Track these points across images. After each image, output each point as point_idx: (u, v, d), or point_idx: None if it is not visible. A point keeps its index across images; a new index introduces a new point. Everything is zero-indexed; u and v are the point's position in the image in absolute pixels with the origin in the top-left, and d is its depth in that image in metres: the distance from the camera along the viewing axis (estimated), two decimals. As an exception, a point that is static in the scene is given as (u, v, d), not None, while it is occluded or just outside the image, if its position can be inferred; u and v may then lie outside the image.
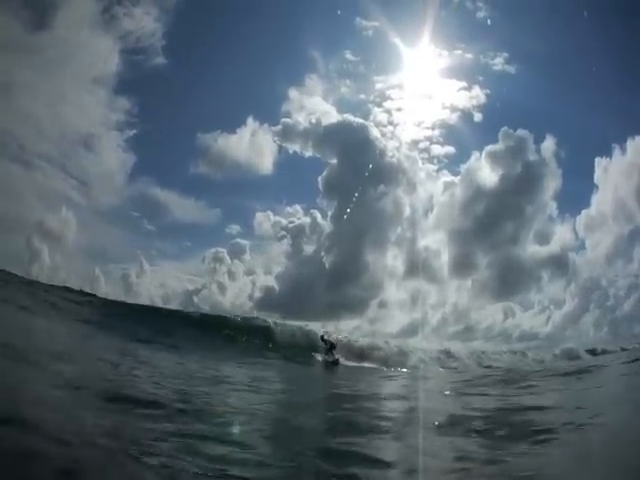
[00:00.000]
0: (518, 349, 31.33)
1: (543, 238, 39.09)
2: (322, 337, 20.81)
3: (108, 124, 38.29)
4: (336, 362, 19.54)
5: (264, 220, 39.64)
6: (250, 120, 40.90)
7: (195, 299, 34.36)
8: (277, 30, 49.76)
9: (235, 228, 42.30)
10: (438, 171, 42.54)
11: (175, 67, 42.06)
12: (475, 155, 40.25)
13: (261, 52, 51.45)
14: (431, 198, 40.30)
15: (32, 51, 31.66)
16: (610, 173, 39.65)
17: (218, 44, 50.47)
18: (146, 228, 41.18)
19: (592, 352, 29.51)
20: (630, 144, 38.47)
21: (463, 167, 41.61)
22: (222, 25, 46.78)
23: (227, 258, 37.48)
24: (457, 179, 40.18)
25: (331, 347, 20.31)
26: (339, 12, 49.51)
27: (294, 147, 41.23)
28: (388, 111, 42.43)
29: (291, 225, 37.97)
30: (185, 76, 47.04)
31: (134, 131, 39.00)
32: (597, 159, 39.98)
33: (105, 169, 38.60)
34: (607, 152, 43.75)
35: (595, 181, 40.41)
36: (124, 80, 38.17)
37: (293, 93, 43.98)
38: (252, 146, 41.18)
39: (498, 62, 42.02)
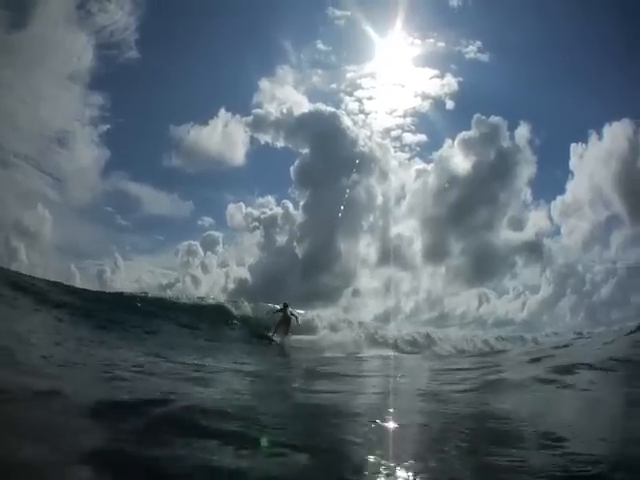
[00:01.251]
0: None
1: (517, 224, 39.21)
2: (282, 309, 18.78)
3: (82, 120, 38.19)
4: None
5: (236, 212, 39.74)
6: (222, 112, 40.84)
7: (169, 292, 34.18)
8: (248, 20, 48.96)
9: (208, 220, 42.80)
10: (410, 159, 42.73)
11: (147, 60, 42.05)
12: (448, 143, 40.39)
13: (232, 43, 50.72)
14: (403, 186, 40.45)
15: (7, 49, 30.95)
16: (586, 159, 39.74)
17: (189, 36, 50.91)
18: (120, 223, 41.46)
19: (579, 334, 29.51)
20: (607, 130, 38.53)
21: (436, 155, 41.81)
22: (193, 16, 46.96)
23: (200, 251, 37.72)
24: (429, 167, 40.39)
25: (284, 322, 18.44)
26: (311, 1, 49.80)
27: (266, 138, 41.15)
28: (360, 100, 42.48)
29: (263, 216, 37.94)
30: (157, 69, 47.19)
31: (108, 126, 38.89)
32: (572, 145, 40.10)
33: (79, 165, 38.36)
34: (583, 138, 43.90)
35: (570, 167, 40.58)
36: (98, 75, 38.11)
37: (264, 83, 43.74)
38: (224, 138, 41.05)
39: (471, 50, 42.19)
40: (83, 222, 40.53)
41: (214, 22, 47.51)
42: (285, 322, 18.42)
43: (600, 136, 39.02)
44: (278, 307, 18.84)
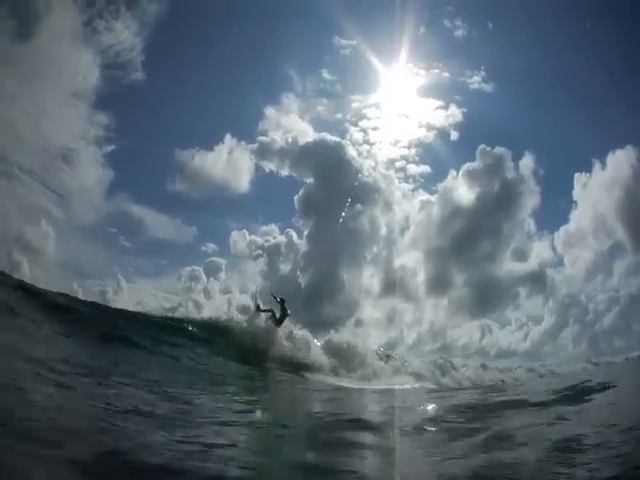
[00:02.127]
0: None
1: (521, 255, 39.20)
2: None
3: (87, 138, 38.22)
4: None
5: (240, 239, 39.55)
6: (227, 138, 40.97)
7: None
8: (255, 48, 49.72)
9: (211, 246, 42.78)
10: (414, 190, 42.90)
11: (153, 82, 42.08)
12: (452, 174, 40.59)
13: (238, 69, 51.75)
14: (407, 217, 40.52)
15: (14, 62, 31.19)
16: (589, 189, 39.90)
17: (196, 61, 51.31)
18: (123, 245, 41.38)
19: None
20: (611, 158, 38.90)
21: (440, 186, 41.91)
22: (200, 42, 47.28)
23: (203, 276, 37.36)
24: (434, 198, 40.47)
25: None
26: (317, 30, 50.66)
27: (270, 166, 41.34)
28: (364, 130, 42.85)
29: (267, 244, 37.84)
30: (163, 92, 47.31)
31: (112, 146, 38.98)
32: (576, 175, 40.28)
33: (84, 184, 38.47)
34: (587, 167, 44.26)
35: (574, 197, 40.76)
36: (103, 95, 38.24)
37: (270, 111, 44.32)
38: (229, 164, 41.20)
39: (475, 80, 42.73)
40: (86, 241, 40.32)
41: (221, 47, 48.43)
42: (278, 320, 17.87)
43: (604, 165, 39.22)
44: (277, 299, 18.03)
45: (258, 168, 41.46)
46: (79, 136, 38.74)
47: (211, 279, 37.51)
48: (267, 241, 38.10)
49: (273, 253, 37.27)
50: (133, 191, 47.54)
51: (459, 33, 43.62)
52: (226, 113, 52.35)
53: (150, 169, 49.66)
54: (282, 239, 37.83)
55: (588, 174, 40.14)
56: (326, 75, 44.90)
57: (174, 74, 48.72)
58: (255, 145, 41.53)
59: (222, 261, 39.41)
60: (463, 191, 38.77)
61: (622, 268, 40.50)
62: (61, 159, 37.33)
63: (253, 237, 38.98)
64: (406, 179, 44.18)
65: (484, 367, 29.26)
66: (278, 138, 41.50)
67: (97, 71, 36.16)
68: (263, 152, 41.48)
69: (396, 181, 41.92)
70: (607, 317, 38.61)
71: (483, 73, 42.11)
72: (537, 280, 39.61)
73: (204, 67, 49.47)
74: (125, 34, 36.71)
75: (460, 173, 39.29)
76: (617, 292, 39.77)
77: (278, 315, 17.87)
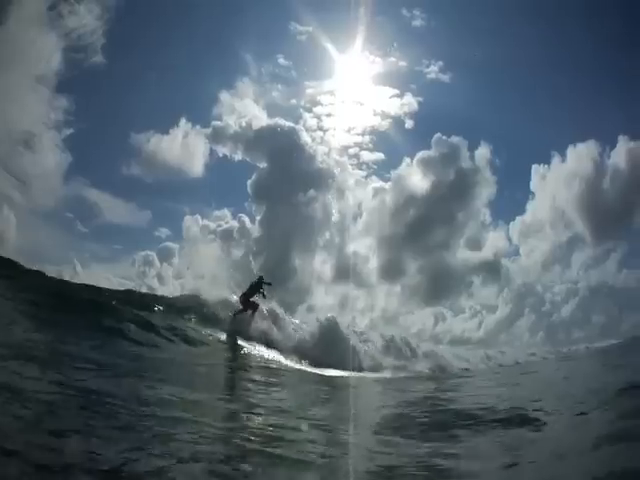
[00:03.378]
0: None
1: (475, 244, 39.68)
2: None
3: (48, 123, 36.71)
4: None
5: (193, 224, 38.79)
6: (183, 122, 40.31)
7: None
8: (212, 32, 49.20)
9: (164, 231, 43.08)
10: (367, 177, 43.26)
11: (113, 66, 40.95)
12: (406, 161, 40.96)
13: (196, 53, 51.15)
14: (360, 204, 40.69)
15: None
16: (548, 180, 40.86)
17: (154, 45, 50.26)
18: (80, 230, 40.39)
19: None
20: (571, 151, 39.93)
21: (394, 173, 42.45)
22: (158, 26, 46.37)
23: (157, 261, 36.88)
24: (387, 185, 40.79)
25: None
26: (274, 16, 50.12)
27: (224, 150, 40.89)
28: (318, 116, 42.89)
29: (219, 229, 37.37)
30: (121, 75, 46.05)
31: (71, 130, 37.49)
32: (534, 166, 41.31)
33: (43, 168, 36.73)
34: (545, 159, 45.38)
35: (531, 188, 41.79)
36: (65, 78, 36.81)
37: (225, 96, 43.60)
38: (183, 148, 40.57)
39: (432, 70, 43.30)
40: (45, 226, 38.75)
41: (178, 32, 47.41)
42: (253, 303, 16.23)
43: (563, 157, 40.27)
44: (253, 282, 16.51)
45: (212, 152, 41.02)
46: (40, 120, 37.46)
47: (164, 264, 37.22)
48: (220, 226, 37.66)
49: (226, 238, 36.67)
50: (90, 175, 46.81)
51: (417, 23, 44.08)
52: (182, 97, 52.46)
53: (107, 153, 48.96)
54: (235, 224, 37.46)
55: (546, 166, 41.15)
56: (282, 61, 44.73)
57: (133, 58, 48.18)
58: (209, 129, 40.95)
59: (175, 246, 38.80)
60: (417, 179, 39.03)
61: (581, 260, 41.74)
62: (22, 144, 36.03)
63: (206, 222, 38.40)
64: (359, 166, 44.70)
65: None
66: (232, 123, 41.04)
67: (60, 55, 34.75)
68: (217, 136, 40.99)
69: (349, 167, 42.21)
70: (565, 308, 39.80)
71: (440, 63, 42.79)
72: (492, 269, 40.56)
73: (162, 51, 48.80)
74: (87, 18, 35.40)
75: (414, 161, 39.61)
76: (576, 284, 40.93)
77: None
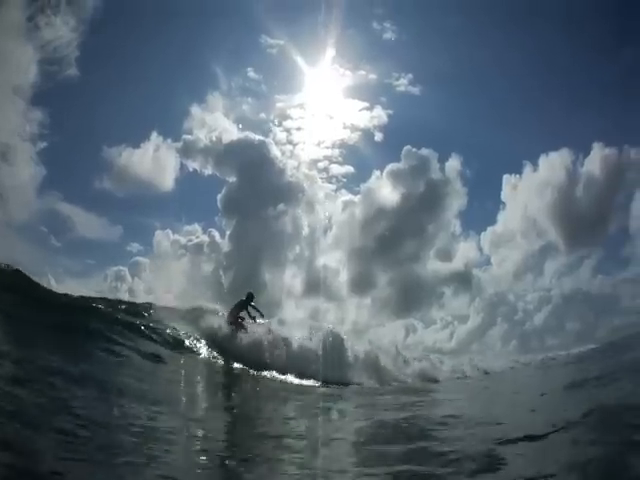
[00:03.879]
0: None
1: (446, 255, 39.42)
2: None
3: (23, 135, 35.99)
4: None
5: (163, 238, 38.00)
6: (154, 135, 39.58)
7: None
8: (183, 45, 48.92)
9: (135, 246, 41.79)
10: (337, 190, 43.28)
11: (86, 79, 39.90)
12: (376, 174, 41.15)
13: (167, 67, 50.06)
14: (330, 217, 40.70)
15: None
16: (519, 190, 40.86)
17: (126, 58, 49.10)
18: (53, 244, 38.67)
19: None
20: (544, 160, 39.89)
21: (363, 186, 42.52)
22: (130, 39, 45.99)
23: (128, 276, 35.91)
24: (357, 198, 40.89)
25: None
26: (244, 29, 50.23)
27: (194, 164, 40.39)
28: (288, 130, 42.75)
29: (190, 244, 36.87)
30: (95, 88, 44.64)
31: (45, 143, 36.60)
32: (505, 176, 41.42)
33: (19, 181, 35.97)
34: (517, 169, 45.58)
35: (502, 198, 41.94)
36: (40, 90, 35.95)
37: (195, 109, 43.18)
38: (154, 162, 39.89)
39: (402, 83, 43.40)
40: (20, 240, 38.09)
41: (150, 45, 47.15)
42: (239, 321, 15.42)
43: (535, 167, 40.40)
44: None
45: (182, 167, 40.44)
46: (16, 132, 36.69)
47: (136, 279, 36.00)
48: (190, 241, 37.13)
49: (196, 253, 36.07)
50: (63, 189, 45.03)
51: (388, 36, 44.45)
52: (153, 110, 51.37)
53: (80, 167, 46.92)
54: (205, 239, 36.99)
55: (518, 176, 41.32)
56: (252, 74, 44.54)
57: (106, 71, 46.80)
58: (180, 143, 40.58)
59: (146, 261, 37.96)
60: (387, 192, 39.02)
61: (554, 268, 41.84)
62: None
63: (176, 236, 37.75)
64: (329, 179, 44.52)
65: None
66: (203, 136, 40.71)
67: (35, 67, 34.21)
68: (187, 150, 40.54)
69: (319, 181, 42.19)
70: (538, 316, 39.12)
71: (410, 76, 42.91)
72: (463, 280, 40.16)
73: (134, 64, 47.78)
74: (63, 30, 34.84)
75: (384, 174, 39.79)
76: (549, 291, 40.35)
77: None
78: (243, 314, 15.91)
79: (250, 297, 16.13)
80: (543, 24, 48.07)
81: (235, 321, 15.74)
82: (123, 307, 16.20)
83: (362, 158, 50.43)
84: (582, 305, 38.58)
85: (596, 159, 38.40)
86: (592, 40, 46.82)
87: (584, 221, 39.27)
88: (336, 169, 42.46)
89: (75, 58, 35.99)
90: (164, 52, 48.27)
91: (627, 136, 47.53)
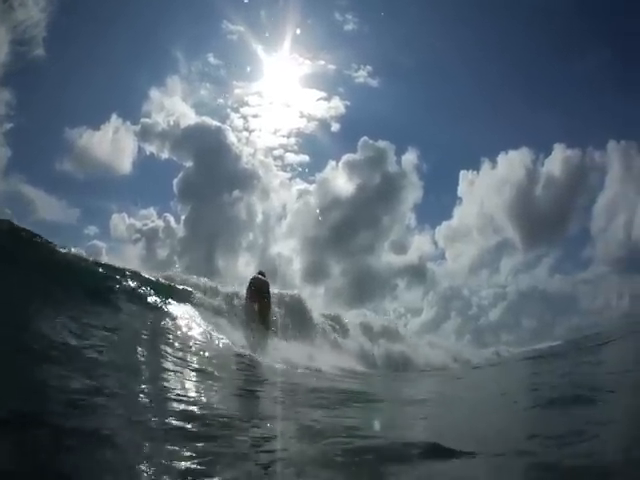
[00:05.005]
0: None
1: (400, 248, 39.82)
2: None
3: None
4: None
5: (120, 222, 37.49)
6: (114, 118, 38.72)
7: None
8: (145, 28, 47.86)
9: (93, 229, 40.79)
10: (292, 179, 43.31)
11: (53, 60, 39.09)
12: (331, 164, 41.35)
13: (131, 48, 49.15)
14: (284, 205, 40.63)
15: None
16: (477, 186, 41.11)
17: (91, 38, 47.64)
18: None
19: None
20: (503, 158, 40.25)
21: (318, 176, 42.68)
22: (97, 18, 43.81)
23: (85, 260, 34.82)
24: (312, 187, 40.95)
25: None
26: (206, 13, 49.09)
27: (151, 148, 39.68)
28: (245, 117, 42.44)
29: (145, 228, 36.27)
30: (60, 69, 43.50)
31: (12, 124, 35.19)
32: (462, 172, 41.82)
33: None
34: (474, 165, 46.42)
35: (459, 194, 42.07)
36: (9, 71, 34.63)
37: (154, 93, 42.28)
38: (113, 144, 38.99)
39: (361, 75, 43.66)
40: None
41: (114, 26, 45.13)
42: (261, 299, 12.44)
43: (494, 164, 40.76)
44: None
45: (140, 150, 39.61)
46: None
47: (92, 263, 35.08)
48: (145, 225, 36.52)
49: (151, 238, 35.67)
50: (27, 171, 43.09)
51: (349, 27, 44.54)
52: (114, 93, 50.94)
53: (43, 148, 45.49)
54: (160, 223, 36.45)
55: (475, 172, 41.87)
56: (212, 59, 43.82)
57: (72, 51, 45.01)
58: (138, 126, 39.62)
59: (103, 245, 36.90)
60: (342, 182, 39.15)
61: (510, 265, 42.25)
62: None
63: (132, 220, 37.11)
64: (284, 167, 44.47)
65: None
66: (161, 120, 39.92)
67: (7, 47, 32.75)
68: (145, 134, 39.69)
69: (274, 169, 42.08)
70: (493, 312, 39.30)
71: (370, 68, 43.13)
72: (417, 273, 40.27)
73: (98, 46, 45.85)
74: (35, 10, 33.58)
75: (340, 164, 40.00)
76: (504, 288, 40.77)
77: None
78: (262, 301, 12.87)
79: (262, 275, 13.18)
80: (509, 21, 49.73)
81: (256, 310, 12.78)
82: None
83: (318, 148, 50.58)
84: (539, 303, 39.33)
85: (557, 160, 39.21)
86: (558, 40, 48.39)
87: (543, 220, 39.96)
88: (291, 158, 42.47)
89: (43, 39, 35.07)
90: (128, 34, 47.01)
91: (591, 138, 49.55)
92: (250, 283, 13.49)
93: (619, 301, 33.87)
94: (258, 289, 13.29)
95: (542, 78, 52.69)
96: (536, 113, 51.60)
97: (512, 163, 39.97)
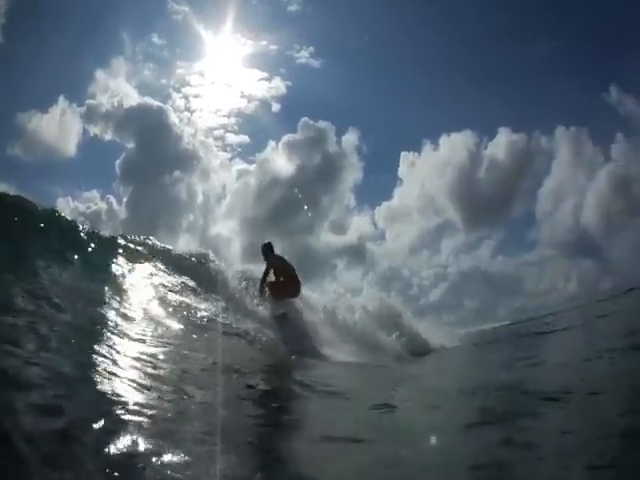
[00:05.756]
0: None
1: (340, 228, 40.59)
2: None
3: None
4: None
5: (65, 206, 36.81)
6: (61, 100, 40.09)
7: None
8: (94, 8, 47.67)
9: None
10: (232, 159, 42.85)
11: (8, 43, 39.10)
12: (271, 145, 41.04)
13: (78, 30, 46.97)
14: (224, 186, 39.92)
15: None
16: (418, 167, 42.18)
17: (39, 21, 45.59)
18: None
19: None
20: (445, 140, 41.78)
21: (259, 156, 42.08)
22: (40, 3, 41.55)
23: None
24: (251, 167, 40.34)
25: None
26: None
27: (95, 130, 38.25)
28: (187, 97, 41.71)
29: (88, 211, 35.01)
30: (7, 53, 42.49)
31: None
32: (403, 153, 42.68)
33: None
34: (416, 147, 47.46)
35: (399, 175, 43.18)
36: None
37: (100, 74, 40.67)
38: (60, 127, 39.05)
39: (303, 55, 43.79)
40: None
41: (62, 7, 44.45)
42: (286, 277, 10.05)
43: (436, 146, 41.92)
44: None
45: (85, 132, 38.28)
46: None
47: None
48: (89, 208, 35.30)
49: (94, 220, 34.48)
50: None
51: (293, 8, 44.41)
52: (61, 75, 50.72)
53: None
54: (103, 206, 35.16)
55: (416, 153, 42.86)
56: (156, 39, 42.52)
57: (18, 35, 44.52)
58: (84, 108, 37.75)
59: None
60: (282, 162, 39.00)
61: (452, 246, 43.31)
62: None
63: (76, 204, 35.50)
64: (224, 148, 44.02)
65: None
66: (105, 101, 38.27)
67: None
68: (90, 115, 39.08)
69: (215, 149, 41.37)
70: (434, 292, 41.31)
71: (312, 49, 43.42)
72: (356, 253, 41.70)
73: (45, 29, 45.72)
74: None
75: (280, 144, 39.59)
76: (445, 269, 42.78)
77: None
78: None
79: (270, 248, 10.62)
80: (454, 5, 51.46)
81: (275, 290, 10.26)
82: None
83: (258, 128, 50.29)
84: (481, 284, 41.60)
85: (501, 143, 40.81)
86: (510, 25, 49.99)
87: (485, 203, 41.15)
88: (232, 138, 42.12)
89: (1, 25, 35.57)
90: (75, 15, 45.28)
91: (538, 124, 51.22)
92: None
93: (566, 284, 35.92)
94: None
95: (490, 63, 54.35)
96: (482, 97, 53.71)
97: (454, 145, 40.98)
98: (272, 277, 10.28)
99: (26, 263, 6.43)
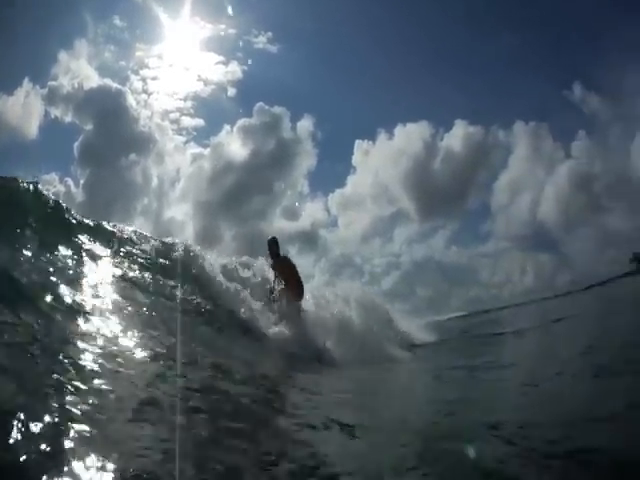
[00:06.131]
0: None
1: (292, 214, 40.79)
2: None
3: None
4: None
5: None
6: (25, 82, 39.57)
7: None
8: None
9: None
10: (186, 143, 42.40)
11: None
12: (226, 129, 40.74)
13: (42, 11, 45.43)
14: (179, 169, 39.49)
15: None
16: (372, 156, 42.35)
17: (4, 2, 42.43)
18: None
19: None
20: (401, 130, 41.98)
21: (213, 140, 41.56)
22: None
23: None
24: (206, 151, 39.85)
25: None
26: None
27: (56, 112, 37.45)
28: (144, 79, 41.32)
29: (47, 193, 33.58)
30: None
31: None
32: (357, 142, 42.70)
33: None
34: (370, 136, 46.94)
35: (353, 163, 43.39)
36: None
37: (63, 56, 39.73)
38: (24, 109, 38.57)
39: (260, 40, 43.29)
40: None
41: None
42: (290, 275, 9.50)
43: (391, 135, 41.99)
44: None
45: (46, 114, 37.60)
46: None
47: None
48: (47, 190, 33.57)
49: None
50: None
51: (253, -8, 42.89)
52: (25, 57, 48.85)
53: None
54: (61, 188, 34.91)
55: (371, 142, 42.77)
56: (117, 22, 41.48)
57: None
58: (46, 90, 36.90)
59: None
60: (236, 147, 38.75)
61: (405, 235, 43.47)
62: None
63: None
64: (179, 131, 43.60)
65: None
66: (66, 83, 37.46)
67: None
68: (52, 97, 38.56)
69: (170, 132, 40.87)
70: (386, 280, 41.35)
71: (270, 34, 42.95)
72: (308, 239, 42.26)
73: (12, 10, 42.39)
74: None
75: (235, 129, 39.33)
76: (398, 257, 42.71)
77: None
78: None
79: (275, 243, 10.09)
80: None
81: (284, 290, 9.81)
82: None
83: (214, 112, 49.99)
84: (434, 273, 42.00)
85: (458, 135, 41.11)
86: (471, 18, 50.07)
87: (440, 193, 41.49)
88: (187, 121, 41.98)
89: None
90: None
91: (496, 118, 51.42)
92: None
93: (522, 277, 36.43)
94: None
95: (450, 54, 54.70)
96: (439, 89, 53.88)
97: (410, 136, 41.10)
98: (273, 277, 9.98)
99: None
